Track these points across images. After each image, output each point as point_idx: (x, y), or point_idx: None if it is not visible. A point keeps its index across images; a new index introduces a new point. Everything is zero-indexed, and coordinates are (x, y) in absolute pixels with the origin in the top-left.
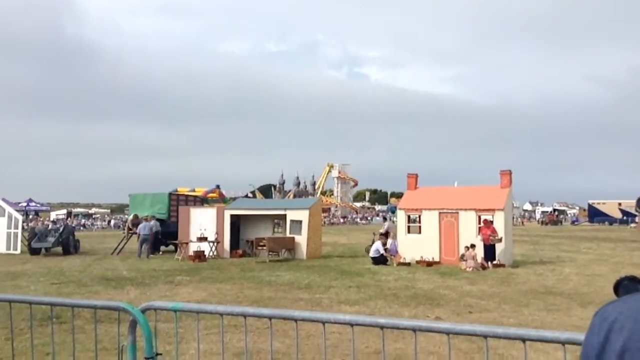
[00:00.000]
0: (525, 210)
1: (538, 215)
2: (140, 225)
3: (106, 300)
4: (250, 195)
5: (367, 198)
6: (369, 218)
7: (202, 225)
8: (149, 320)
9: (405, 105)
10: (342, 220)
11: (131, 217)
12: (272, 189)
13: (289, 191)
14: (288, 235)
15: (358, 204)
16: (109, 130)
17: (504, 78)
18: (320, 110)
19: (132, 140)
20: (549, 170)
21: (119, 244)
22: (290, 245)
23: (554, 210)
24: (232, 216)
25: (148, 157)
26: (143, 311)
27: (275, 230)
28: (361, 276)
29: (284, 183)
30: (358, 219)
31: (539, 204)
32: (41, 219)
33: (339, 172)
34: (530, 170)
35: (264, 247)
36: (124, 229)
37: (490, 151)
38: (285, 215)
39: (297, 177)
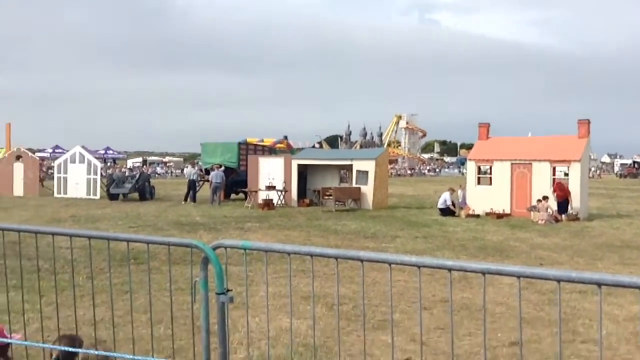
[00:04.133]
0: (603, 163)
1: (616, 168)
2: (213, 173)
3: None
4: (317, 145)
5: (435, 149)
6: (437, 170)
7: (271, 174)
8: (220, 259)
9: (478, 52)
10: (409, 172)
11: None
12: (339, 139)
13: (356, 142)
14: (354, 185)
15: (426, 156)
16: (181, 82)
17: (590, 23)
18: (389, 59)
19: (203, 92)
20: (631, 121)
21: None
22: (356, 195)
23: (634, 162)
24: (299, 166)
25: (218, 107)
26: (214, 249)
27: (342, 179)
28: (428, 227)
29: (350, 134)
30: (426, 171)
31: (618, 156)
32: (118, 167)
33: (407, 123)
34: (611, 121)
35: (331, 197)
36: (198, 176)
37: (568, 101)
38: (351, 165)
39: (364, 128)
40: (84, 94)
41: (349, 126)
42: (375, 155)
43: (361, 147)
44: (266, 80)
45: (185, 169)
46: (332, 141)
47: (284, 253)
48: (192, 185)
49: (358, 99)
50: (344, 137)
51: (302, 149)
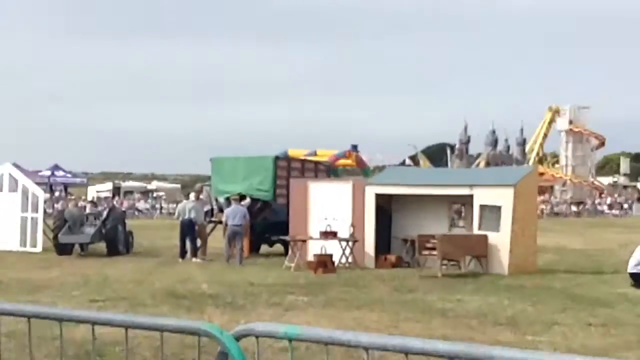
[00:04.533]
0: None
1: None
2: (228, 211)
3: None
4: (408, 162)
5: (622, 170)
6: (625, 205)
7: (329, 211)
8: (246, 354)
9: None
10: (574, 208)
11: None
12: (448, 151)
13: (479, 155)
14: (476, 231)
15: (605, 180)
16: (176, 52)
17: None
18: (533, 21)
19: (214, 69)
20: None
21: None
22: (480, 249)
23: None
24: (379, 197)
25: (242, 97)
26: (237, 338)
27: (454, 222)
28: (610, 307)
29: (469, 141)
30: (605, 207)
31: None
32: (73, 198)
33: (571, 123)
34: None
35: (434, 252)
36: (210, 215)
37: None
38: (471, 196)
39: (493, 131)
40: (17, 72)
41: (465, 128)
42: (514, 180)
43: (488, 164)
44: (321, 50)
45: (179, 203)
46: (436, 154)
47: (356, 347)
48: (189, 230)
49: (480, 82)
50: (457, 146)
51: (384, 167)
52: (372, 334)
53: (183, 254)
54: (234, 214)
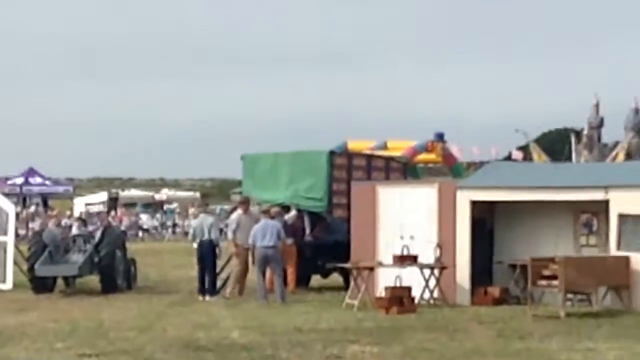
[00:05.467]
0: None
1: None
2: (256, 228)
3: None
4: (516, 155)
5: None
6: None
7: (406, 227)
8: None
9: None
10: None
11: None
12: (572, 139)
13: (616, 145)
14: (614, 252)
15: None
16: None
17: None
18: None
19: (243, 33)
20: None
21: (220, 270)
22: (619, 277)
23: None
24: (475, 205)
25: (279, 68)
26: None
27: (583, 238)
28: None
29: (601, 125)
30: None
31: None
32: (55, 214)
33: None
34: None
35: (554, 282)
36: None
37: None
38: (606, 202)
39: (637, 110)
40: None
41: (597, 107)
42: None
43: (629, 156)
44: (387, 8)
45: (194, 218)
46: (556, 144)
47: None
48: (209, 255)
49: (619, 41)
50: (584, 132)
51: (482, 163)
52: None
53: (204, 289)
54: (264, 232)
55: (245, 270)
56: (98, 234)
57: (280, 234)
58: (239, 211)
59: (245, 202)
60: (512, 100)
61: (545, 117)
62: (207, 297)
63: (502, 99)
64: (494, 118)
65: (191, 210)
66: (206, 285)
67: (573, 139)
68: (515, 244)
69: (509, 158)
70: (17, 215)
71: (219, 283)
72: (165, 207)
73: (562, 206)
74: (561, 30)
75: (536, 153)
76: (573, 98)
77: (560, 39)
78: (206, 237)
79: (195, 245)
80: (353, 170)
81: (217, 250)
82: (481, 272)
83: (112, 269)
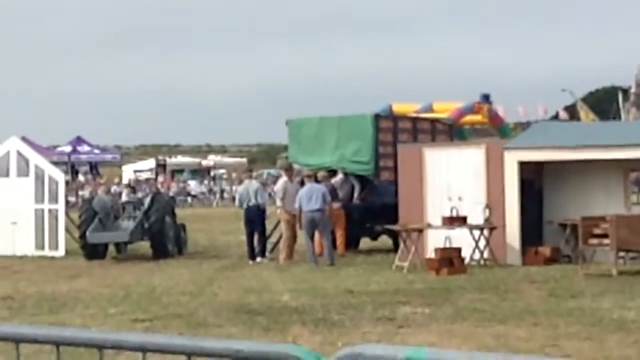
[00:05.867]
0: None
1: None
2: (302, 192)
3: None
4: (563, 115)
5: None
6: None
7: (454, 188)
8: None
9: None
10: None
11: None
12: (620, 97)
13: None
14: None
15: None
16: None
17: None
18: None
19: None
20: None
21: (269, 234)
22: None
23: None
24: (523, 166)
25: (321, 34)
26: None
27: (633, 196)
28: None
29: None
30: None
31: None
32: (104, 182)
33: None
34: None
35: (605, 240)
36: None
37: None
38: None
39: None
40: (28, 15)
41: None
42: None
43: None
44: None
45: (239, 184)
46: (603, 102)
47: None
48: (257, 220)
49: None
50: (632, 90)
51: (529, 123)
52: (525, 356)
53: (253, 253)
54: (309, 196)
55: (293, 236)
56: (147, 201)
57: (326, 197)
58: (284, 178)
59: (289, 169)
60: (557, 59)
61: (593, 76)
62: (258, 259)
63: (548, 58)
64: (540, 77)
65: (234, 175)
66: (256, 250)
67: (621, 97)
68: (565, 204)
69: (556, 117)
70: (67, 183)
71: (268, 246)
72: (213, 172)
73: (612, 165)
74: None
75: (584, 112)
76: (620, 56)
77: None
78: (252, 202)
79: (242, 210)
80: (399, 133)
81: (264, 215)
82: (531, 232)
83: (162, 235)
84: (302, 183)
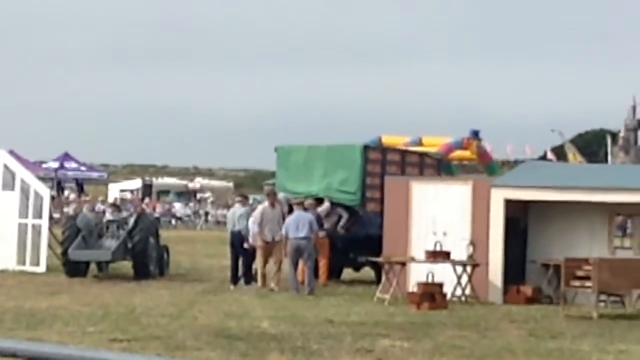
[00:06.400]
0: None
1: None
2: (289, 220)
3: None
4: (551, 155)
5: None
6: None
7: (439, 223)
8: None
9: None
10: None
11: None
12: (608, 140)
13: None
14: None
15: None
16: None
17: None
18: None
19: (283, 28)
20: None
21: (252, 259)
22: None
23: None
24: (509, 204)
25: (315, 60)
26: None
27: (617, 240)
28: None
29: (637, 127)
30: None
31: None
32: (89, 199)
33: None
34: None
35: (587, 283)
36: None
37: None
38: None
39: None
40: (15, 26)
41: (634, 109)
42: None
43: None
44: (425, 3)
45: (231, 209)
46: (591, 144)
47: None
48: (239, 246)
49: None
50: (621, 134)
51: (517, 162)
52: None
53: (235, 278)
54: (296, 223)
55: (265, 263)
56: (131, 220)
57: (313, 226)
58: (265, 203)
59: (272, 195)
60: (548, 99)
61: (582, 118)
62: (242, 283)
63: (538, 98)
64: (529, 117)
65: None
66: (239, 274)
67: (609, 141)
68: (549, 244)
69: (544, 157)
70: (52, 199)
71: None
72: (199, 195)
73: (597, 207)
74: (599, 30)
75: (571, 153)
76: (610, 99)
77: (598, 39)
78: (236, 227)
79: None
80: (387, 165)
81: (244, 241)
82: (514, 270)
83: (145, 255)
84: (290, 210)
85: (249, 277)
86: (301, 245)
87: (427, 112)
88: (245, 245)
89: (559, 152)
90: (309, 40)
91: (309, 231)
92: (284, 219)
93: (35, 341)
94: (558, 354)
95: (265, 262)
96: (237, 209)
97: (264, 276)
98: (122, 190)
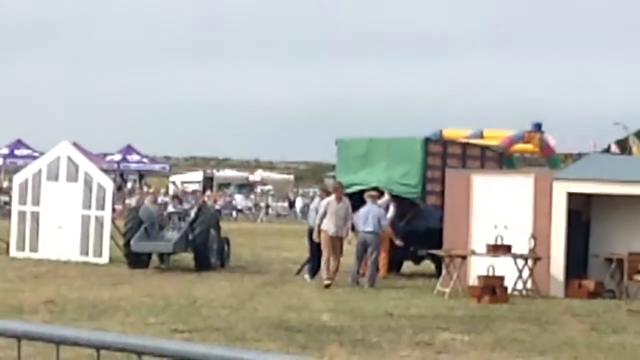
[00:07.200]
0: None
1: None
2: (361, 211)
3: None
4: (615, 148)
5: None
6: None
7: (501, 216)
8: None
9: None
10: None
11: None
12: None
13: None
14: None
15: None
16: None
17: None
18: None
19: (337, 19)
20: None
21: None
22: None
23: None
24: (571, 197)
25: (372, 53)
26: None
27: None
28: None
29: None
30: None
31: None
32: (152, 191)
33: None
34: None
35: None
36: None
37: None
38: None
39: None
40: (77, 20)
41: None
42: None
43: None
44: None
45: (314, 199)
46: None
47: None
48: (310, 240)
49: None
50: None
51: (581, 155)
52: None
53: (314, 270)
54: (365, 216)
55: (329, 257)
56: (193, 213)
57: (382, 221)
58: (332, 197)
59: (339, 189)
60: (612, 91)
61: None
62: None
63: (602, 91)
64: (593, 109)
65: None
66: (306, 268)
67: None
68: (612, 238)
69: (607, 150)
70: (115, 191)
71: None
72: (260, 188)
73: None
74: None
75: (636, 146)
76: None
77: None
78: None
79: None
80: (448, 158)
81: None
82: (576, 264)
83: (206, 247)
84: (362, 202)
85: (315, 271)
86: (367, 239)
87: (489, 105)
88: (315, 239)
89: (623, 145)
90: (369, 30)
91: (376, 225)
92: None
93: (100, 331)
94: (620, 349)
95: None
96: (319, 200)
97: (329, 270)
98: (183, 182)
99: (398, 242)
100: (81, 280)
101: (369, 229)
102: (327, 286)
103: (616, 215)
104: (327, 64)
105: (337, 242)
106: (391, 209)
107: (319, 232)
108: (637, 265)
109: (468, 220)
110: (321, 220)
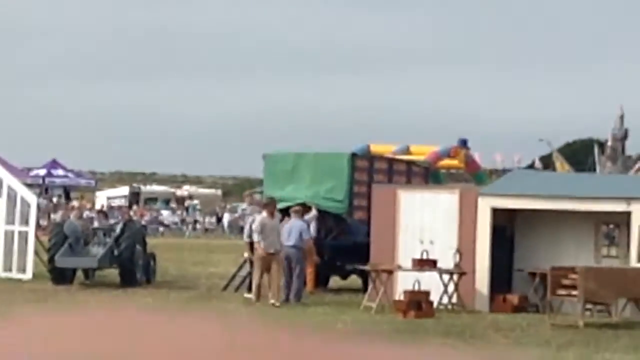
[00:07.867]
0: None
1: None
2: (286, 226)
3: None
4: (539, 164)
5: None
6: None
7: (426, 231)
8: None
9: None
10: None
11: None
12: (595, 150)
13: None
14: (635, 264)
15: None
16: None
17: None
18: None
19: (269, 31)
20: None
21: (239, 269)
22: (639, 289)
23: None
24: (496, 213)
25: (304, 68)
26: None
27: (604, 249)
28: None
29: (625, 137)
30: None
31: None
32: (77, 206)
33: None
34: None
35: (574, 292)
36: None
37: None
38: (628, 214)
39: None
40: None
41: (621, 119)
42: None
43: None
44: (417, 10)
45: (252, 215)
46: (579, 154)
47: None
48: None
49: None
50: (608, 143)
51: (505, 171)
52: None
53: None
54: (289, 231)
55: (262, 275)
56: (119, 228)
57: (303, 234)
58: (264, 214)
59: (271, 204)
60: (536, 109)
61: (570, 127)
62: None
63: (526, 108)
64: (518, 126)
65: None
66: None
67: (597, 150)
68: (536, 253)
69: (531, 166)
70: (39, 206)
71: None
72: (187, 203)
73: (584, 216)
74: (588, 39)
75: (559, 162)
76: (598, 109)
77: (587, 49)
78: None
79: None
80: (374, 173)
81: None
82: (500, 279)
83: (132, 263)
84: (282, 218)
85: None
86: (290, 254)
87: (415, 121)
88: (245, 255)
89: (547, 161)
90: (298, 46)
91: (298, 239)
92: None
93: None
94: None
95: (262, 274)
96: (252, 209)
97: (259, 288)
98: (109, 198)
99: (315, 258)
100: (4, 296)
101: (291, 243)
102: (273, 305)
103: (540, 231)
104: (255, 78)
105: (273, 259)
106: (313, 224)
107: (251, 248)
108: (560, 279)
109: (394, 235)
110: (259, 236)
